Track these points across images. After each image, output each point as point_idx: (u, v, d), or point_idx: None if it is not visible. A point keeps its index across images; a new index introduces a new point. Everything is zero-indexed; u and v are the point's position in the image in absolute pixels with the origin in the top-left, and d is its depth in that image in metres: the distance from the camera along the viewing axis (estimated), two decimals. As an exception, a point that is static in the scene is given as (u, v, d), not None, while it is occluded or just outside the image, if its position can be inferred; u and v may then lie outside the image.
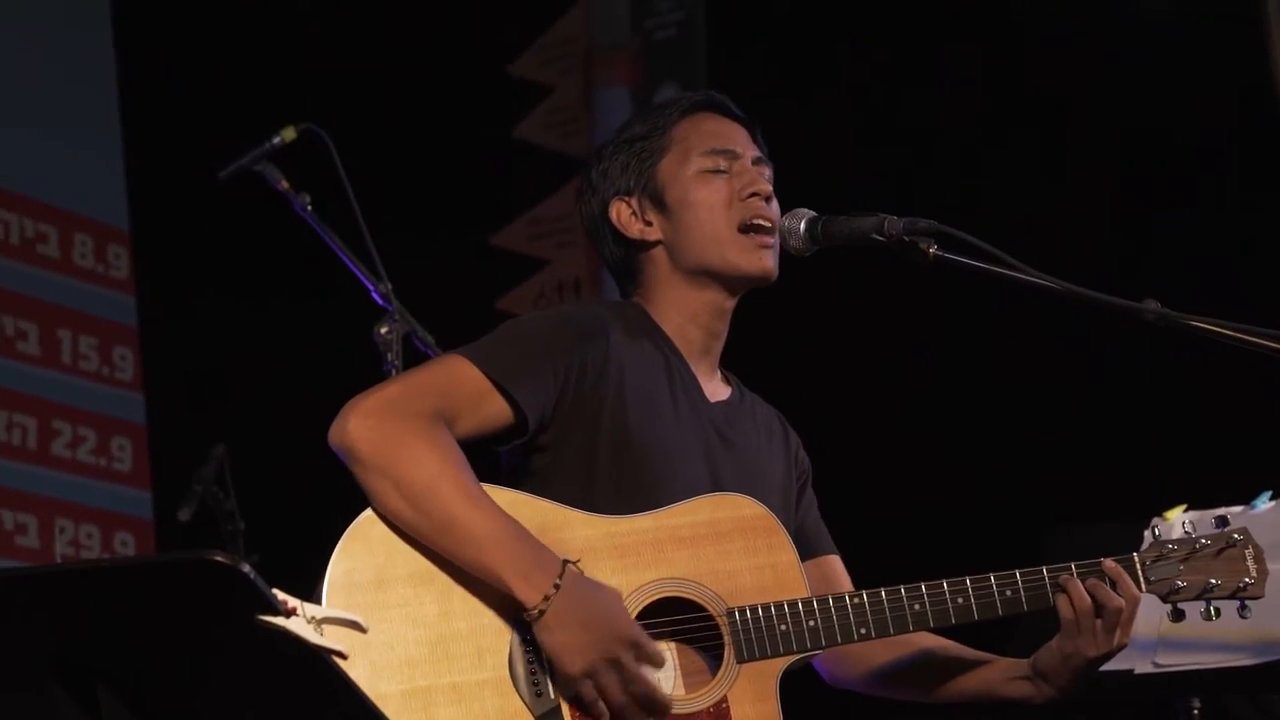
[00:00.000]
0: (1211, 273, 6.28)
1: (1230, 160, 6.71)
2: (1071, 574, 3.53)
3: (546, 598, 3.29)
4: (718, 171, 3.75)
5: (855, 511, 4.49)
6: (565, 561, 3.33)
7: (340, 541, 3.35)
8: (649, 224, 3.76)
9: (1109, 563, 3.54)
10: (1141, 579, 3.57)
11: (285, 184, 5.33)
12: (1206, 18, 6.51)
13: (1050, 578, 3.53)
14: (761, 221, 3.70)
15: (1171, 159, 6.85)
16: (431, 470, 3.33)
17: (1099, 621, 3.50)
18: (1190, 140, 6.79)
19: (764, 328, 4.57)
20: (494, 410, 3.49)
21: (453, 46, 8.60)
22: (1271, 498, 4.06)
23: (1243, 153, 6.60)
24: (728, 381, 3.84)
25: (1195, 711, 4.20)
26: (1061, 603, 3.52)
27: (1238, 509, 4.04)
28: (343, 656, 2.81)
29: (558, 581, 3.29)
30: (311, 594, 3.25)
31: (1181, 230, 6.76)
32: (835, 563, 3.89)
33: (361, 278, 5.23)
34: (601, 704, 3.31)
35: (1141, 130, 6.92)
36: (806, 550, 3.74)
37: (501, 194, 8.72)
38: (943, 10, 7.59)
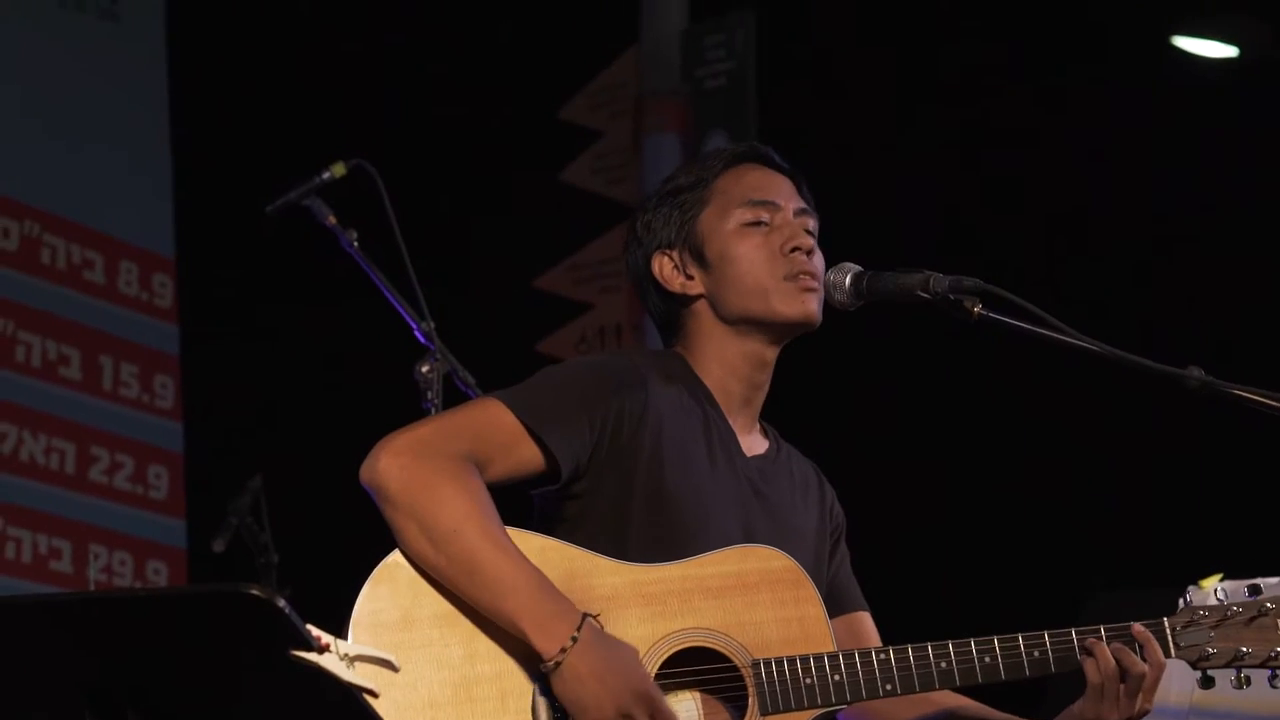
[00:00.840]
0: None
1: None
2: (1100, 637, 3.51)
3: (563, 649, 3.27)
4: (758, 224, 3.72)
5: (889, 568, 4.48)
6: (585, 615, 3.32)
7: (368, 581, 3.35)
8: (690, 278, 3.75)
9: (1137, 627, 3.52)
10: (1171, 644, 3.55)
11: (333, 219, 5.35)
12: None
13: (1078, 640, 3.52)
14: (804, 274, 3.69)
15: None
16: (458, 513, 3.33)
17: (1123, 686, 3.48)
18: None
19: (806, 380, 4.57)
20: (527, 456, 3.49)
21: (505, 88, 8.64)
22: (1310, 569, 4.02)
23: None
24: (765, 434, 3.82)
25: (1225, 782, 4.16)
26: (1088, 665, 3.50)
27: (1274, 580, 4.01)
28: (374, 695, 2.80)
29: (575, 634, 3.28)
30: (340, 631, 3.25)
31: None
32: (865, 619, 3.87)
33: (405, 315, 5.23)
34: None
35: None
36: (837, 606, 3.72)
37: (546, 237, 8.75)
38: (993, 70, 7.60)
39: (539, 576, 3.32)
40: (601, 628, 3.33)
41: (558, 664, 3.27)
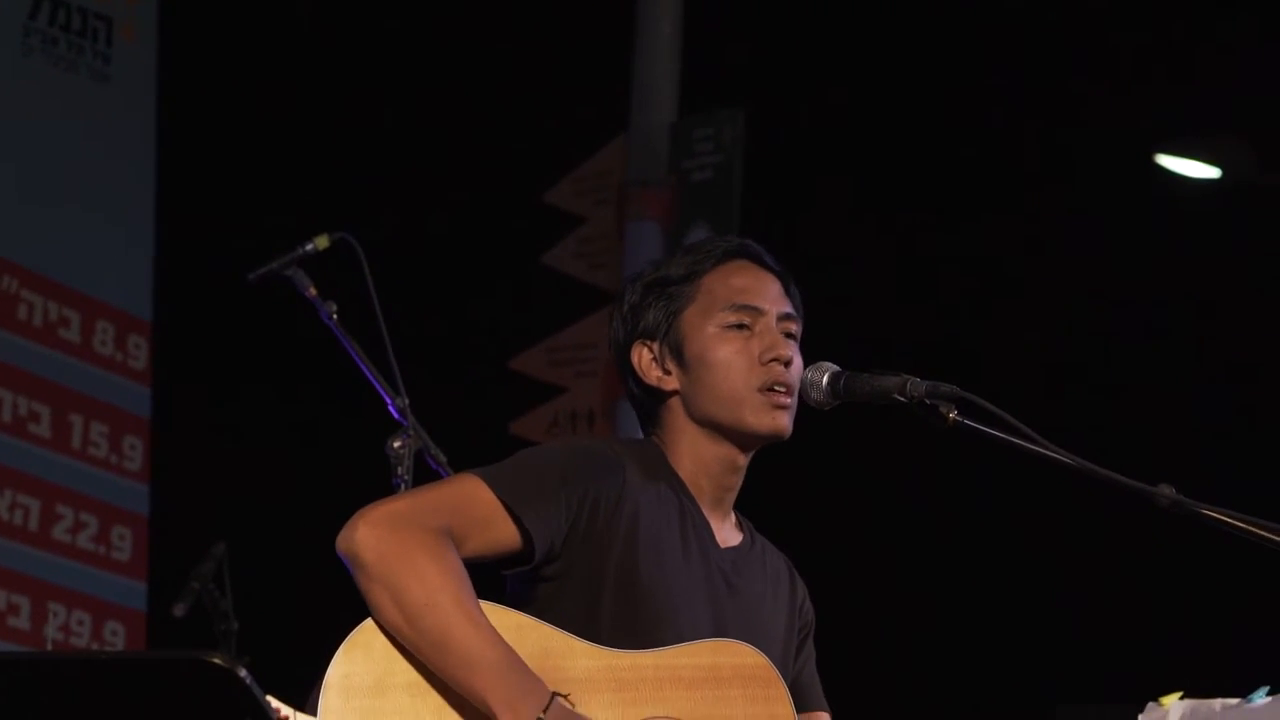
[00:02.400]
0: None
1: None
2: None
3: (530, 731, 3.27)
4: (740, 327, 3.72)
5: (857, 670, 4.48)
6: (554, 694, 3.31)
7: (342, 645, 3.33)
8: (667, 373, 3.74)
9: None
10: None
11: (313, 290, 5.35)
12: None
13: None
14: (779, 387, 3.68)
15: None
16: (432, 586, 3.32)
17: None
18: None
19: (784, 476, 4.58)
20: (502, 534, 3.48)
21: (491, 170, 8.68)
22: (1269, 693, 4.03)
23: None
24: (740, 526, 3.82)
25: None
26: None
27: (1234, 701, 4.02)
28: (329, 769, 2.79)
29: (541, 715, 3.27)
30: (302, 700, 3.24)
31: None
32: (824, 720, 3.87)
33: (380, 390, 5.23)
34: None
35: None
36: (798, 704, 3.71)
37: (524, 319, 8.76)
38: (979, 172, 7.65)
39: (510, 654, 3.31)
40: (571, 709, 3.31)
41: None
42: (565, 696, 3.32)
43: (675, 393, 3.73)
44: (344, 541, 3.36)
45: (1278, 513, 3.35)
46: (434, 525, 3.38)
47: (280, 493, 8.18)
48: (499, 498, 3.47)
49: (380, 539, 3.34)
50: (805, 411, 3.71)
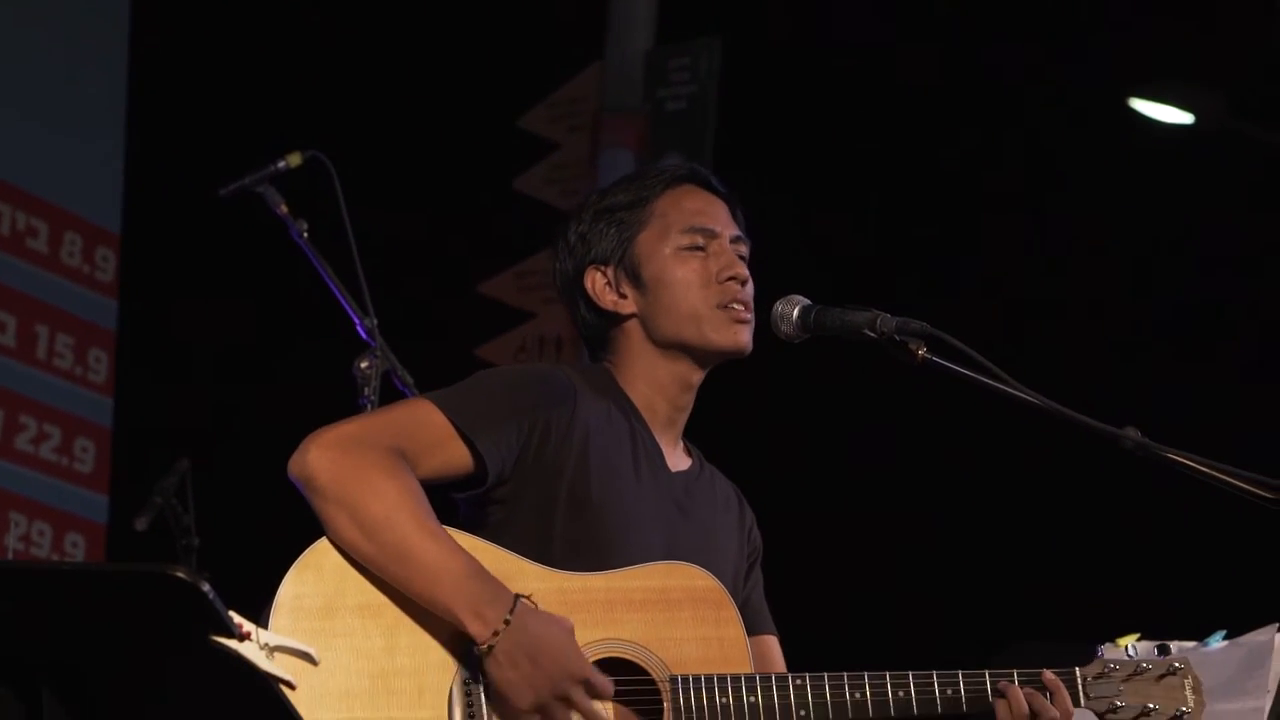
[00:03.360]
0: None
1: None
2: (1012, 680, 3.54)
3: (496, 633, 3.28)
4: (695, 249, 3.75)
5: (805, 600, 4.49)
6: (518, 596, 3.32)
7: (293, 566, 3.34)
8: (623, 296, 3.77)
9: (1049, 675, 3.56)
10: (1081, 694, 3.59)
11: (284, 208, 5.33)
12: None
13: (991, 681, 3.55)
14: (737, 305, 3.71)
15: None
16: (389, 502, 3.33)
17: None
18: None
19: (737, 404, 4.58)
20: (455, 457, 3.50)
21: (467, 94, 8.64)
22: (1225, 637, 4.05)
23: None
24: (689, 453, 3.85)
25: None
26: (1000, 707, 3.54)
27: (1191, 644, 4.04)
28: (291, 686, 2.80)
29: (508, 617, 3.28)
30: (261, 616, 3.25)
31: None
32: (772, 643, 3.89)
33: (349, 310, 5.22)
34: None
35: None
36: (747, 628, 3.73)
37: (495, 243, 8.75)
38: (950, 104, 7.65)
39: (471, 562, 3.33)
40: (535, 608, 3.33)
41: (491, 647, 3.28)
42: (528, 597, 3.34)
43: (632, 315, 3.76)
44: (296, 465, 3.37)
45: (1245, 459, 3.38)
46: (386, 445, 3.40)
47: (246, 410, 8.17)
48: (451, 421, 3.48)
49: (334, 460, 3.35)
50: (758, 342, 3.73)
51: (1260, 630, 4.02)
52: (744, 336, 3.73)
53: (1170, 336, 6.89)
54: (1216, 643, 4.03)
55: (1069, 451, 4.95)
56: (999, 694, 3.54)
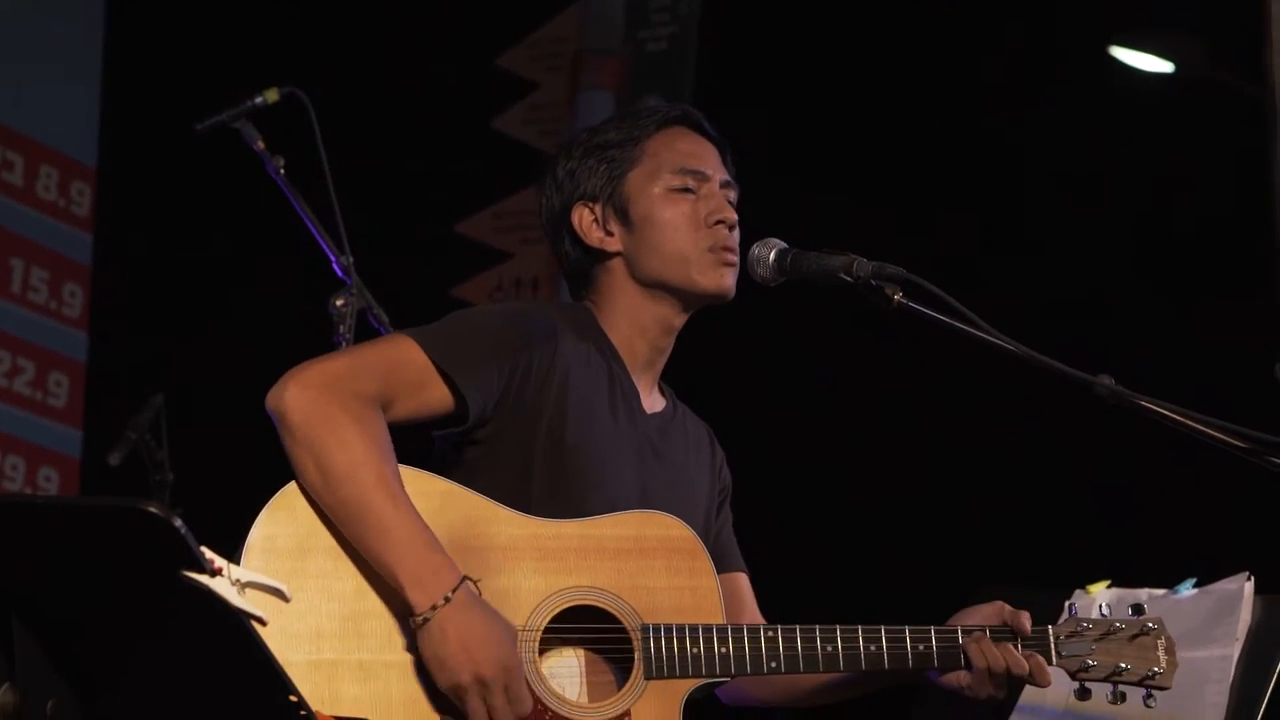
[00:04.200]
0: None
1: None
2: (985, 634, 3.56)
3: (434, 607, 3.27)
4: (685, 190, 3.75)
5: (777, 547, 4.50)
6: (464, 578, 3.31)
7: (266, 506, 3.34)
8: (610, 234, 3.77)
9: (1032, 658, 3.56)
10: (1053, 652, 3.59)
11: (262, 144, 5.31)
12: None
13: (965, 639, 3.56)
14: (725, 249, 3.71)
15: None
16: (355, 456, 3.32)
17: (1005, 678, 3.55)
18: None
19: (713, 347, 4.58)
20: (435, 397, 3.49)
21: (445, 31, 8.60)
22: (1195, 585, 4.07)
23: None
24: (664, 393, 3.86)
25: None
26: (973, 653, 3.54)
27: (1161, 592, 4.06)
28: (262, 622, 2.80)
29: (449, 595, 3.27)
30: (232, 555, 3.25)
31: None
32: (742, 580, 3.91)
33: (325, 247, 5.21)
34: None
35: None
36: (717, 565, 3.74)
37: (473, 183, 8.73)
38: (930, 47, 7.64)
39: (426, 532, 3.32)
40: (479, 595, 3.32)
41: (425, 619, 3.27)
42: (476, 581, 3.33)
43: (617, 254, 3.76)
44: (273, 400, 3.36)
45: (1219, 409, 3.38)
46: (364, 390, 3.38)
47: (221, 347, 8.15)
48: (432, 360, 3.47)
49: (309, 401, 3.34)
50: (750, 287, 3.73)
51: (1230, 579, 4.04)
52: (729, 280, 3.73)
53: (1147, 284, 6.89)
54: (1186, 591, 4.05)
55: (1041, 398, 4.96)
56: (976, 645, 3.55)
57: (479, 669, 3.26)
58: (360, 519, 3.30)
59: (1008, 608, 3.60)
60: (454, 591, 3.28)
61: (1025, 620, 3.57)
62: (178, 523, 2.42)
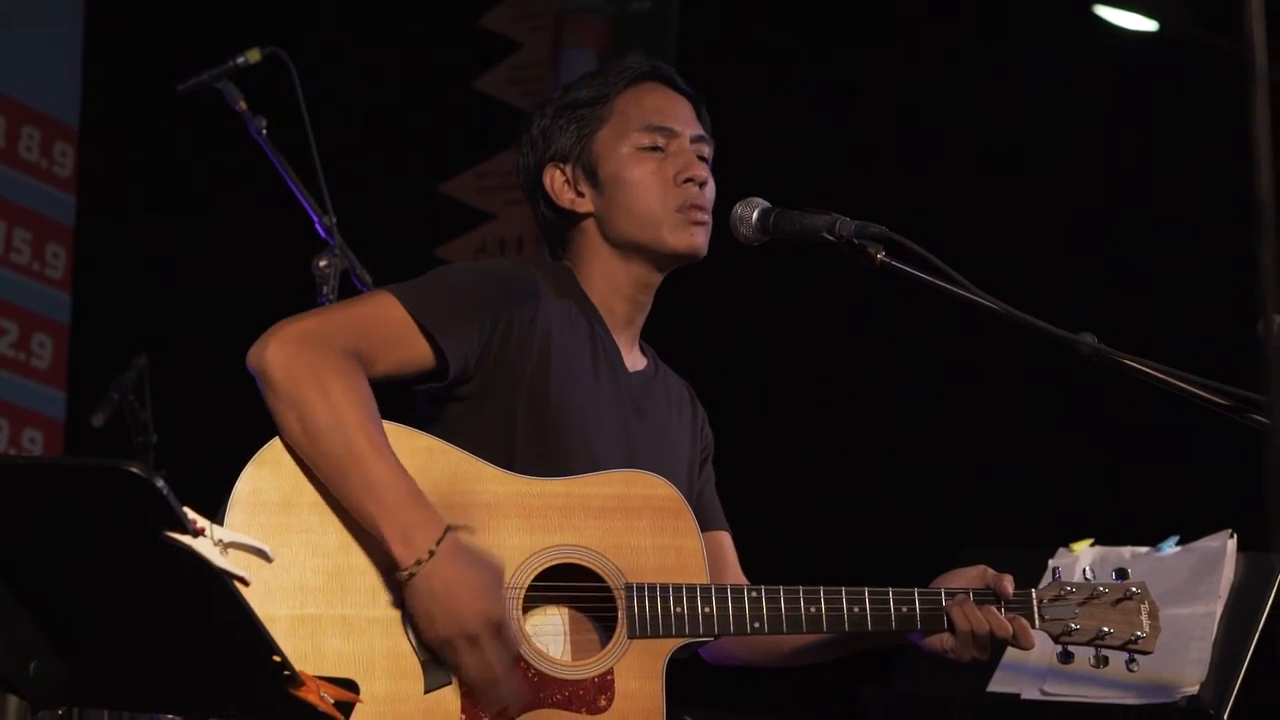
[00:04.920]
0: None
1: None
2: (969, 596, 3.56)
3: (419, 561, 3.27)
4: (654, 149, 3.74)
5: (768, 509, 4.51)
6: (448, 528, 3.31)
7: (250, 461, 3.35)
8: (580, 195, 3.77)
9: (1016, 622, 3.56)
10: (1036, 616, 3.60)
11: (243, 105, 5.30)
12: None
13: (948, 602, 3.56)
14: (694, 207, 3.70)
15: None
16: (338, 409, 3.32)
17: (988, 641, 3.55)
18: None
19: (696, 306, 4.57)
20: (415, 353, 3.49)
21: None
22: (1178, 543, 4.08)
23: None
24: (644, 352, 3.86)
25: (1076, 744, 4.22)
26: (956, 616, 3.55)
27: (1143, 550, 4.07)
28: (244, 582, 2.79)
29: (433, 548, 3.27)
30: (217, 511, 3.24)
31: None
32: (725, 539, 3.91)
33: (308, 208, 5.20)
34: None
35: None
36: (700, 524, 3.75)
37: (456, 143, 8.70)
38: (914, 7, 7.62)
39: (410, 485, 3.31)
40: (462, 543, 3.32)
41: (411, 575, 3.27)
42: (461, 528, 3.33)
43: (589, 215, 3.76)
44: (254, 357, 3.36)
45: (1198, 366, 3.39)
46: (345, 346, 3.38)
47: (204, 308, 8.13)
48: (413, 316, 3.47)
49: (290, 357, 3.33)
50: (717, 243, 3.72)
51: (1212, 536, 4.05)
52: (699, 239, 3.72)
53: (1130, 242, 6.89)
54: (1169, 549, 4.06)
55: (1024, 356, 4.96)
56: (960, 609, 3.55)
57: (465, 625, 3.26)
58: (344, 473, 3.30)
59: (990, 571, 3.61)
60: (438, 544, 3.28)
61: (1008, 584, 3.58)
62: (159, 483, 2.41)
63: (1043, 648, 3.67)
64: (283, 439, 3.36)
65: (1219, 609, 3.93)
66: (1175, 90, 6.74)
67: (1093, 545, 4.06)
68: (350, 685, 3.20)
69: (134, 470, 2.41)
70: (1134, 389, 3.44)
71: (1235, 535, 4.01)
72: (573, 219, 3.77)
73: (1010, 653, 3.77)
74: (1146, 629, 3.59)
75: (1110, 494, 6.39)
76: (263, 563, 3.22)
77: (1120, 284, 6.77)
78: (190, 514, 2.55)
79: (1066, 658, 3.62)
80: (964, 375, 6.88)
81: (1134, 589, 3.61)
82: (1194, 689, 3.87)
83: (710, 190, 3.73)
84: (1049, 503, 6.11)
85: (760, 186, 3.71)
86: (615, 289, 3.75)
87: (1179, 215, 6.69)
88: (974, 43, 7.43)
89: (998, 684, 3.98)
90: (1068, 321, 3.41)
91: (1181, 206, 6.66)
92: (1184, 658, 3.85)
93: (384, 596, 3.33)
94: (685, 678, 3.53)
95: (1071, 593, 3.61)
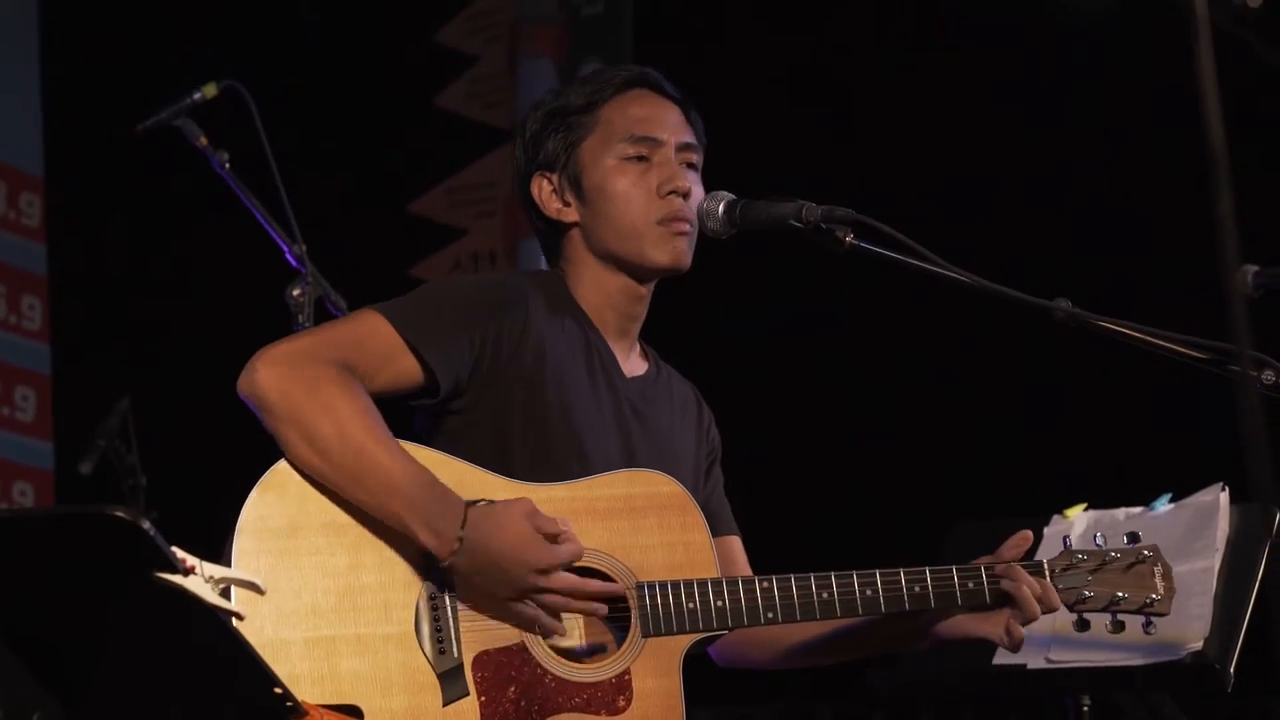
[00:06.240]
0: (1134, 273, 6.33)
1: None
2: (980, 575, 3.54)
3: (454, 551, 3.28)
4: (639, 159, 3.71)
5: (762, 495, 4.50)
6: (467, 506, 3.31)
7: (256, 487, 3.32)
8: (567, 204, 3.74)
9: (1016, 569, 3.55)
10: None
11: (204, 140, 5.30)
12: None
13: (960, 579, 3.54)
14: (677, 219, 3.68)
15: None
16: (341, 418, 3.31)
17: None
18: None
19: (689, 306, 4.57)
20: (405, 370, 3.48)
21: (380, 11, 8.58)
22: (1170, 500, 4.09)
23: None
24: (645, 356, 3.83)
25: (1085, 708, 4.23)
26: (1014, 587, 3.51)
27: (1137, 510, 4.08)
28: (239, 617, 2.79)
29: (461, 533, 3.28)
30: (217, 547, 3.24)
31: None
32: (735, 543, 3.89)
33: (276, 238, 5.20)
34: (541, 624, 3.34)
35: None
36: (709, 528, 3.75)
37: (421, 161, 8.70)
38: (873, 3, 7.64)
39: (425, 474, 3.32)
40: (484, 514, 3.30)
41: (452, 564, 3.29)
42: (476, 502, 3.33)
43: (575, 225, 3.73)
44: (245, 384, 3.34)
45: (1173, 322, 3.39)
46: (334, 360, 3.37)
47: (182, 346, 8.13)
48: (400, 333, 3.46)
49: (283, 377, 3.32)
50: (708, 241, 3.71)
51: (1204, 490, 4.05)
52: (681, 252, 3.68)
53: (1099, 202, 6.90)
54: (1163, 506, 4.06)
55: (1001, 327, 4.97)
56: (1000, 581, 3.53)
57: (521, 583, 3.30)
58: (359, 479, 3.30)
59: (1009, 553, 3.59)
60: (463, 527, 3.28)
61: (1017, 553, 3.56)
62: (146, 524, 2.41)
63: (1045, 616, 3.67)
64: (289, 459, 3.34)
65: (1217, 562, 3.94)
66: (1133, 49, 6.74)
67: (1086, 510, 4.06)
68: (354, 712, 3.21)
69: (119, 514, 2.41)
70: (1110, 352, 3.45)
71: (1227, 488, 4.02)
72: (560, 229, 3.75)
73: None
74: (1160, 591, 3.58)
75: (1097, 457, 6.40)
76: (275, 587, 3.23)
77: (1089, 247, 6.78)
78: (179, 553, 2.55)
79: (1082, 625, 3.61)
80: (942, 349, 6.88)
81: (1146, 552, 3.60)
82: (1198, 645, 3.87)
83: (696, 200, 3.69)
84: (1038, 472, 6.11)
85: (722, 181, 3.70)
86: (606, 298, 3.72)
87: (1144, 172, 6.69)
88: (927, 19, 7.44)
89: (1003, 656, 3.98)
90: (1042, 289, 3.41)
91: (1146, 164, 6.66)
92: (1186, 614, 3.85)
93: (396, 614, 3.33)
94: (693, 675, 3.52)
95: (1083, 560, 3.60)
